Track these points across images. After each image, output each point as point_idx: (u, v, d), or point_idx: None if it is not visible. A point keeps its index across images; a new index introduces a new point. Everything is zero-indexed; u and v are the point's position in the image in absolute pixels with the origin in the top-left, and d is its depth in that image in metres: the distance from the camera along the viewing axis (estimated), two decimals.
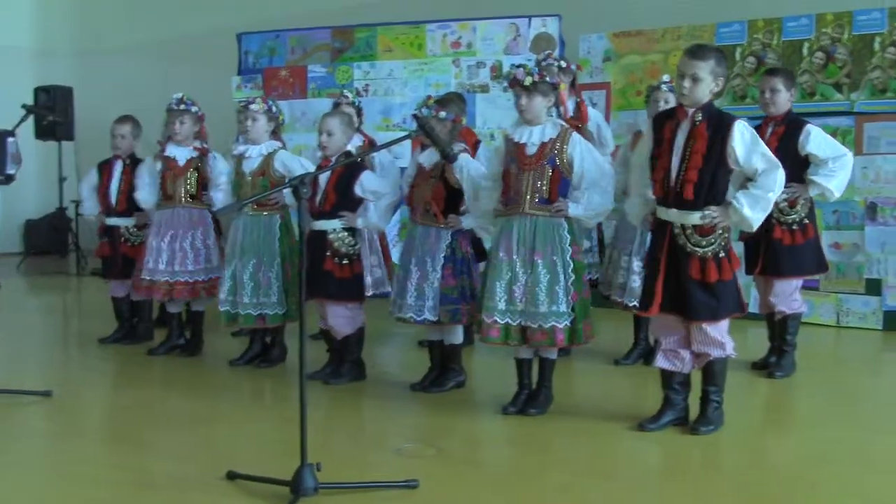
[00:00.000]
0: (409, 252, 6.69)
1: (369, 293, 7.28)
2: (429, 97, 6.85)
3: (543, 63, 6.53)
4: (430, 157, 6.64)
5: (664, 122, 5.66)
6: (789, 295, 7.19)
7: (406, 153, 9.38)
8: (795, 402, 6.92)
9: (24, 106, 7.60)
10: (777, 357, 7.28)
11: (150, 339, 8.64)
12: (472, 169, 6.38)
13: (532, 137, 6.05)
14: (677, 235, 5.57)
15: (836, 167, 6.88)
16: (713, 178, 5.50)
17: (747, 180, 5.56)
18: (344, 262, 6.91)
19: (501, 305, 5.97)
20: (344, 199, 6.90)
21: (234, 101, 10.97)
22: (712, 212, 5.50)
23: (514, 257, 5.98)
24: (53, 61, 16.66)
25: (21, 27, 16.88)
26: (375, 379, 7.23)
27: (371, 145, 8.40)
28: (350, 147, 7.35)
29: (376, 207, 6.92)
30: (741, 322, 6.38)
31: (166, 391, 7.09)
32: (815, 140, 6.90)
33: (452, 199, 6.51)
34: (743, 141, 5.47)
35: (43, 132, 14.78)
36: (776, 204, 6.62)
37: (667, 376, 5.85)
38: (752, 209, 5.50)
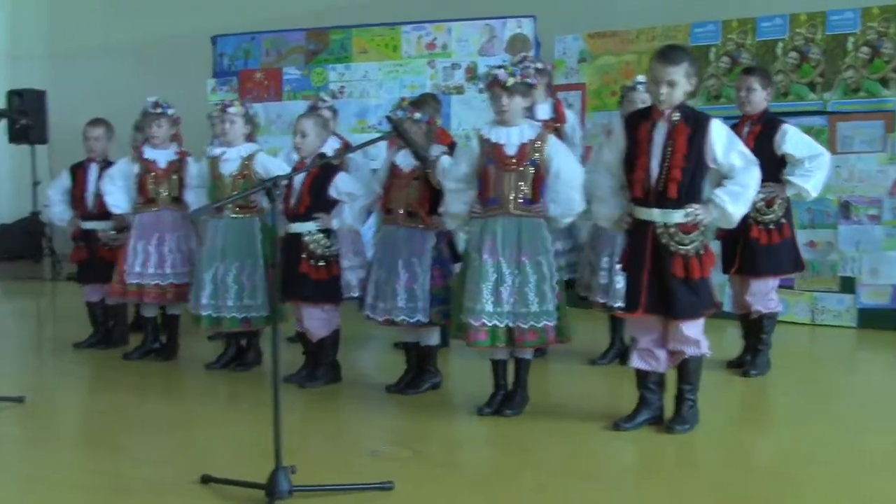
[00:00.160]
0: (394, 254, 6.62)
1: (355, 294, 7.23)
2: (403, 99, 6.84)
3: (521, 64, 6.53)
4: (405, 159, 6.62)
5: (639, 123, 5.65)
6: (766, 294, 7.21)
7: (383, 155, 9.37)
8: (770, 400, 6.94)
9: None
10: (752, 355, 7.29)
11: (126, 343, 8.58)
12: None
13: (511, 138, 6.04)
14: (661, 235, 5.57)
15: (812, 167, 6.90)
16: (692, 176, 5.52)
17: (723, 178, 5.58)
18: (320, 263, 6.90)
19: (489, 308, 5.96)
20: (318, 201, 6.89)
21: (209, 103, 10.94)
22: (695, 209, 5.53)
23: (500, 258, 5.98)
24: (26, 64, 16.59)
25: None
26: (351, 381, 7.21)
27: (347, 147, 8.39)
28: (327, 149, 7.34)
29: (351, 209, 6.91)
30: (718, 321, 6.40)
31: (142, 395, 7.04)
32: (792, 140, 6.91)
33: (435, 200, 6.50)
34: (720, 139, 5.52)
35: (16, 136, 14.74)
36: (753, 203, 6.65)
37: (642, 376, 5.86)
38: (734, 205, 5.56)
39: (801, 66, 9.44)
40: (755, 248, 7.04)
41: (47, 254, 14.57)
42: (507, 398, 6.26)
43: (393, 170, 6.69)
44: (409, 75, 11.23)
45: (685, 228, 5.55)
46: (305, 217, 6.88)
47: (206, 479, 4.93)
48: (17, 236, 15.86)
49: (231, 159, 7.43)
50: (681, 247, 5.55)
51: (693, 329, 5.70)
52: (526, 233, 6.00)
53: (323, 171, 6.91)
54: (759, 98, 7.08)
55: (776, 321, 7.39)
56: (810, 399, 6.80)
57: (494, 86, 6.02)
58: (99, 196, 8.24)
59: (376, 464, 5.35)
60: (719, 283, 6.45)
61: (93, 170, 8.43)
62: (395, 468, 5.18)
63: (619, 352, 7.57)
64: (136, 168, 7.95)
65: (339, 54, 11.68)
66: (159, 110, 7.89)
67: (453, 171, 6.20)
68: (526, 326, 5.96)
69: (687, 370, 5.80)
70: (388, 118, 6.20)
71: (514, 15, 11.05)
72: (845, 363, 8.32)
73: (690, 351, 5.73)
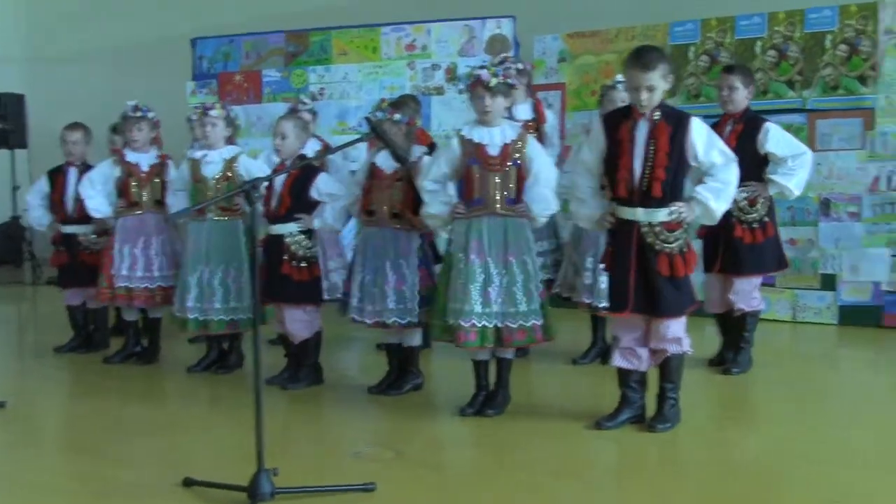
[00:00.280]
0: (380, 256, 6.60)
1: (337, 295, 7.22)
2: (382, 100, 6.85)
3: (503, 65, 6.54)
4: (386, 160, 6.61)
5: (619, 123, 5.65)
6: (749, 293, 7.22)
7: (363, 157, 9.36)
8: (752, 398, 6.95)
9: None
10: (734, 353, 7.30)
11: (107, 347, 8.58)
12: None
13: (493, 138, 6.06)
14: (646, 234, 5.58)
15: (795, 165, 6.91)
16: (675, 175, 5.54)
17: (703, 175, 5.61)
18: (301, 265, 6.90)
19: (478, 308, 5.96)
20: (299, 202, 6.89)
21: (189, 106, 10.92)
22: (679, 207, 5.54)
23: (488, 258, 5.99)
24: (4, 68, 16.48)
25: None
26: (333, 383, 7.20)
27: (327, 149, 8.38)
28: (307, 151, 7.33)
29: (332, 208, 6.91)
30: (699, 320, 6.42)
31: (123, 399, 7.02)
32: (775, 138, 6.92)
33: (419, 201, 6.48)
34: (701, 137, 5.55)
35: None
36: (736, 202, 6.70)
37: (624, 375, 5.87)
38: (716, 201, 5.59)
39: (780, 63, 9.48)
40: (739, 247, 7.04)
41: (27, 258, 14.50)
42: (488, 398, 6.26)
43: (373, 171, 6.68)
44: (388, 76, 11.23)
45: (670, 227, 5.57)
46: (286, 218, 6.88)
47: (188, 482, 4.91)
48: None
49: (213, 162, 7.42)
50: (666, 245, 5.56)
51: (676, 327, 5.71)
52: (511, 232, 6.03)
53: (304, 172, 6.91)
54: (742, 97, 7.07)
55: (759, 319, 7.41)
56: (792, 396, 6.81)
57: (477, 86, 6.03)
58: (79, 200, 8.20)
59: (359, 465, 5.35)
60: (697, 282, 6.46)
61: (72, 174, 8.40)
62: (378, 469, 5.18)
63: (601, 351, 7.58)
64: (117, 171, 7.92)
65: (319, 56, 11.67)
66: (139, 114, 7.87)
67: (432, 172, 6.18)
68: (515, 326, 5.98)
69: (669, 368, 5.82)
70: (368, 119, 6.20)
71: (494, 15, 11.05)
72: (827, 360, 8.33)
73: (672, 349, 5.74)
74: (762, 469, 5.26)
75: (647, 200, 5.55)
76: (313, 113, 8.71)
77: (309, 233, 6.92)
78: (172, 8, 15.02)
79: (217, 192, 7.28)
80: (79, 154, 8.42)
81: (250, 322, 7.29)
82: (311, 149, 7.74)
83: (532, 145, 6.14)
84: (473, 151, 6.05)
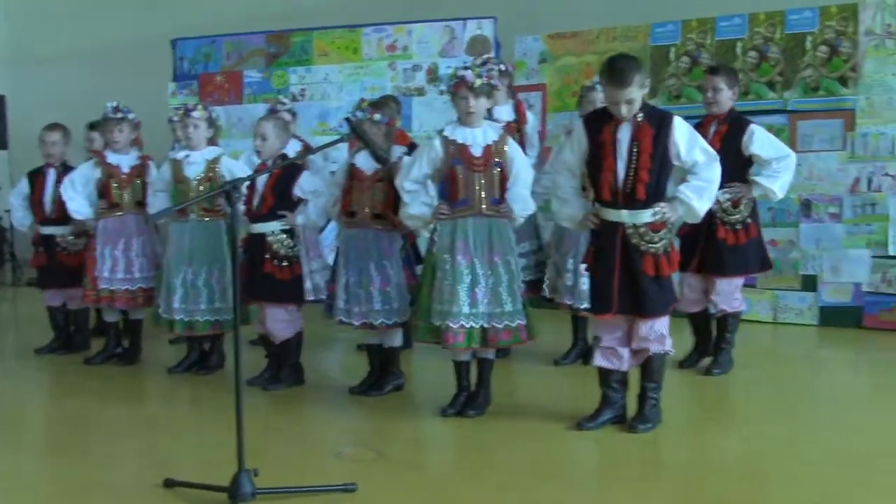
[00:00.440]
0: (363, 257, 6.59)
1: (323, 297, 7.20)
2: (362, 100, 6.86)
3: (486, 66, 6.54)
4: (366, 161, 6.61)
5: (601, 124, 5.63)
6: (731, 293, 7.22)
7: (343, 157, 9.36)
8: (733, 398, 6.96)
9: None
10: (714, 354, 7.31)
11: (87, 348, 8.57)
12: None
13: (476, 139, 6.07)
14: (631, 235, 5.58)
15: (779, 168, 6.92)
16: (658, 176, 5.55)
17: (686, 174, 5.62)
18: (283, 264, 6.90)
19: (465, 309, 5.97)
20: (282, 201, 6.90)
21: (170, 107, 10.89)
22: (662, 208, 5.55)
23: (474, 259, 5.99)
24: None
25: None
26: (314, 383, 7.20)
27: (307, 149, 8.37)
28: (288, 152, 7.33)
29: (315, 205, 6.92)
30: (679, 321, 6.42)
31: (104, 400, 7.00)
32: (759, 140, 6.92)
33: (399, 201, 6.48)
34: (683, 137, 5.56)
35: None
36: (720, 204, 6.72)
37: (605, 374, 5.88)
38: (699, 200, 5.60)
39: (761, 65, 9.50)
40: (722, 248, 7.03)
41: (8, 259, 14.48)
42: (470, 399, 6.26)
43: (353, 172, 6.67)
44: (369, 77, 11.22)
45: (654, 227, 5.58)
46: (269, 217, 6.88)
47: (169, 483, 4.91)
48: None
49: (195, 163, 7.40)
50: (651, 246, 5.57)
51: (661, 324, 5.74)
52: (496, 233, 6.04)
53: (287, 171, 6.92)
54: (726, 98, 7.06)
55: (740, 320, 7.42)
56: (773, 397, 6.82)
57: (461, 87, 6.03)
58: (57, 201, 8.20)
59: (340, 465, 5.35)
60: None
61: (51, 175, 8.39)
62: (359, 469, 5.19)
63: (582, 352, 7.59)
64: (97, 173, 7.90)
65: (300, 57, 11.65)
66: (119, 115, 7.85)
67: (413, 172, 6.16)
68: (500, 326, 6.00)
69: (651, 368, 5.83)
70: (348, 119, 6.19)
71: (475, 16, 11.04)
72: (807, 361, 8.34)
73: (654, 348, 5.75)
74: (743, 469, 5.28)
75: (632, 202, 5.55)
76: (293, 113, 8.72)
77: (291, 232, 6.92)
78: (153, 9, 14.96)
79: (199, 192, 7.27)
80: (57, 155, 8.40)
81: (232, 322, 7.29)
82: (291, 149, 7.73)
83: (512, 146, 6.16)
84: (457, 152, 6.05)
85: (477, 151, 6.04)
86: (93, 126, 8.91)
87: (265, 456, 5.15)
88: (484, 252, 6.00)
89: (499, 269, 6.01)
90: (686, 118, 5.76)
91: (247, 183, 6.45)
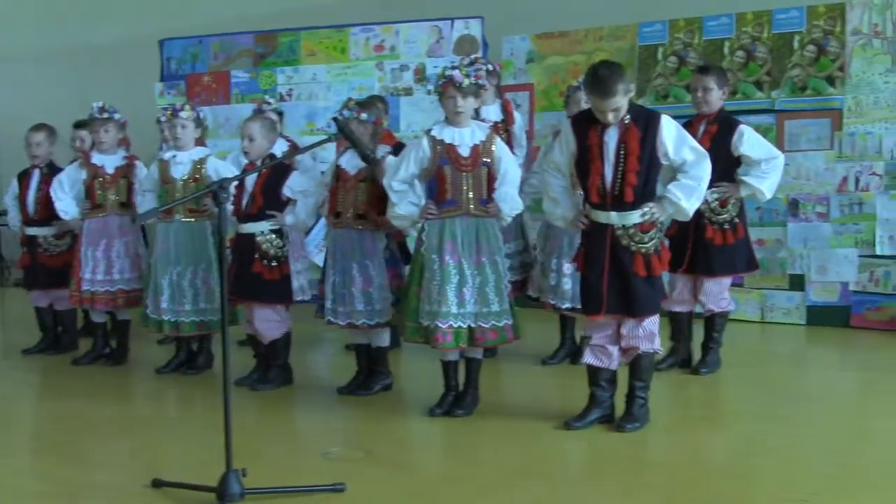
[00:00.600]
0: (347, 257, 6.60)
1: (307, 297, 7.19)
2: (349, 99, 6.85)
3: (474, 66, 6.53)
4: (351, 161, 6.61)
5: (588, 126, 5.63)
6: (719, 293, 7.22)
7: (332, 157, 9.36)
8: (721, 398, 6.98)
9: None
10: (703, 354, 7.32)
11: (75, 348, 8.56)
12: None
13: (463, 139, 6.08)
14: (620, 237, 5.59)
15: (768, 168, 6.90)
16: (646, 177, 5.55)
17: (675, 171, 5.62)
18: (273, 263, 6.89)
19: (454, 309, 5.97)
20: (271, 200, 6.89)
21: (157, 107, 10.86)
22: (651, 208, 5.56)
23: (462, 259, 6.00)
24: None
25: None
26: (303, 383, 7.19)
27: (295, 149, 8.36)
28: (275, 152, 7.32)
29: (304, 205, 6.92)
30: (662, 320, 6.42)
31: (92, 401, 6.98)
32: (749, 141, 6.90)
33: (384, 201, 6.48)
34: (671, 136, 5.55)
35: None
36: (707, 204, 6.71)
37: (594, 373, 5.88)
38: (688, 200, 5.60)
39: (748, 64, 9.51)
40: (710, 248, 7.02)
41: None
42: (458, 399, 6.27)
43: (338, 172, 6.68)
44: (357, 77, 11.20)
45: (643, 228, 5.58)
46: (258, 217, 6.87)
47: (157, 483, 4.90)
48: None
49: (183, 163, 7.39)
50: (641, 246, 5.58)
51: (651, 323, 5.75)
52: (483, 233, 6.06)
53: (276, 171, 6.91)
54: (716, 98, 7.03)
55: (727, 320, 7.42)
56: (761, 397, 6.82)
57: (449, 87, 6.03)
58: (40, 202, 8.23)
59: (328, 465, 5.34)
60: None
61: (35, 175, 8.39)
62: (348, 469, 5.18)
63: (570, 351, 7.60)
64: (83, 174, 7.89)
65: (288, 57, 11.62)
66: (106, 115, 7.84)
67: (400, 172, 6.15)
68: (487, 326, 6.01)
69: (640, 367, 5.83)
70: (335, 119, 6.19)
71: (462, 16, 11.02)
72: (795, 360, 8.35)
73: (644, 347, 5.76)
74: (731, 468, 5.29)
75: (620, 204, 5.56)
76: (279, 113, 8.70)
77: (279, 231, 6.92)
78: (140, 9, 14.92)
79: (186, 193, 7.26)
80: (42, 155, 8.39)
81: (219, 323, 7.28)
82: (278, 149, 7.72)
83: (500, 146, 6.16)
84: (444, 152, 6.06)
85: (465, 151, 6.04)
86: (79, 125, 8.89)
87: (253, 456, 5.14)
88: (471, 252, 6.01)
89: (486, 269, 6.01)
90: (674, 118, 5.76)
91: (235, 183, 6.45)
